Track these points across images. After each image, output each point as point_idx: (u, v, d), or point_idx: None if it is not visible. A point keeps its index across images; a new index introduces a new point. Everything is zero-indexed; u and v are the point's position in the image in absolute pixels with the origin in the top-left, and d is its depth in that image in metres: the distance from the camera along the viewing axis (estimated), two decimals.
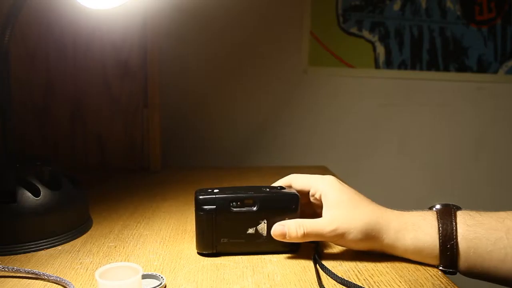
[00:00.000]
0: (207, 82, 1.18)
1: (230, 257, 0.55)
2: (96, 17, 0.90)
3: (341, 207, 0.53)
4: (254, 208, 0.54)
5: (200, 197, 0.55)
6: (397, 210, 0.55)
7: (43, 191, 0.59)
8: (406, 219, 0.53)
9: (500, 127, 1.32)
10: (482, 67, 1.27)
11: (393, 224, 0.53)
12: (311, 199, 0.58)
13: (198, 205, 0.55)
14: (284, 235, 0.53)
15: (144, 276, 0.49)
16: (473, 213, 0.53)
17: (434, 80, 1.27)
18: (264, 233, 0.55)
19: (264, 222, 0.55)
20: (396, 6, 1.22)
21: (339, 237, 0.53)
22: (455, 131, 1.30)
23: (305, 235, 0.53)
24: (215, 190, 0.56)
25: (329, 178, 0.57)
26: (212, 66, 1.18)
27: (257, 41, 1.19)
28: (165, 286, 0.49)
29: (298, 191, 0.57)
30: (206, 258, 0.56)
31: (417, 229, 0.52)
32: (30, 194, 0.58)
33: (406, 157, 1.29)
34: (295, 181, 0.59)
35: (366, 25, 1.21)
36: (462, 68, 1.27)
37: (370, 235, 0.52)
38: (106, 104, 0.98)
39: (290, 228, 0.53)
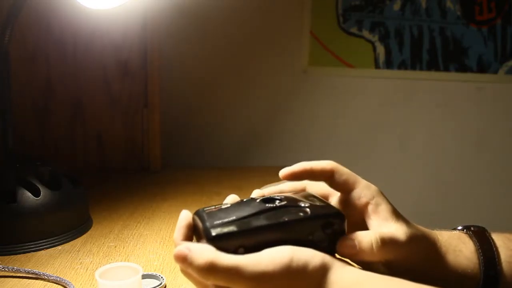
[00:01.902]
0: (207, 81, 1.18)
1: None
2: (96, 17, 0.90)
3: (397, 224, 0.44)
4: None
5: (214, 234, 0.37)
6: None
7: (43, 191, 0.59)
8: (445, 240, 0.46)
9: (500, 127, 1.32)
10: (482, 67, 1.27)
11: (436, 244, 0.46)
12: (348, 203, 0.47)
13: (211, 242, 0.37)
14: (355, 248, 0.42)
15: (144, 276, 0.49)
16: (508, 235, 0.47)
17: (434, 80, 1.27)
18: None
19: None
20: (396, 6, 1.22)
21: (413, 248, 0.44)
22: (455, 131, 1.30)
23: (381, 247, 0.42)
24: (230, 219, 0.38)
25: (376, 188, 0.48)
26: (212, 66, 1.18)
27: (257, 41, 1.18)
28: (165, 286, 0.49)
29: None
30: None
31: (459, 253, 0.46)
32: (30, 194, 0.58)
33: (406, 157, 1.29)
34: (340, 172, 0.47)
35: (366, 25, 1.21)
36: (462, 68, 1.27)
37: (421, 246, 0.45)
38: (106, 104, 0.98)
39: (363, 240, 0.42)
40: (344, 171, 0.47)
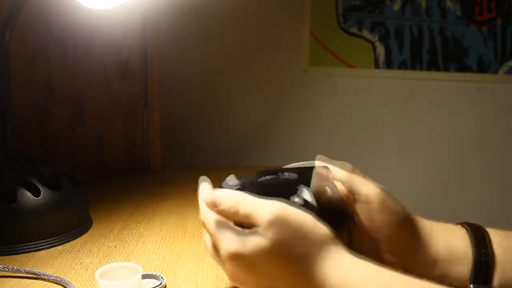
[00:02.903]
0: (207, 82, 1.18)
1: None
2: (96, 17, 0.90)
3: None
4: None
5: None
6: None
7: (43, 191, 0.59)
8: (437, 223, 0.49)
9: (500, 127, 1.32)
10: (482, 67, 1.27)
11: (423, 225, 0.48)
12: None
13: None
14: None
15: (144, 276, 0.49)
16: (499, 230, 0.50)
17: (434, 80, 1.27)
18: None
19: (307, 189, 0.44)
20: (396, 6, 1.22)
21: (381, 207, 0.46)
22: (455, 131, 1.30)
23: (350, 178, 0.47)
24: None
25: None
26: (212, 66, 1.18)
27: (257, 41, 1.18)
28: (165, 286, 0.49)
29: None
30: (206, 258, 0.56)
31: (451, 233, 0.49)
32: (30, 194, 0.58)
33: (406, 157, 1.29)
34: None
35: (366, 25, 1.21)
36: (462, 68, 1.27)
37: (405, 224, 0.47)
38: (106, 104, 0.98)
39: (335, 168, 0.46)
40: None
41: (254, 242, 0.39)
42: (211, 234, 0.43)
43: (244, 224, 0.42)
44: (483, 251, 0.47)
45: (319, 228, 0.40)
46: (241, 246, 0.39)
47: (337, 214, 0.43)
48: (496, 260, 0.47)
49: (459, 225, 0.50)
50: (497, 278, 0.47)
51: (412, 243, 0.48)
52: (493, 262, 0.46)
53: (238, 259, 0.40)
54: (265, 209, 0.40)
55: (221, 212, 0.42)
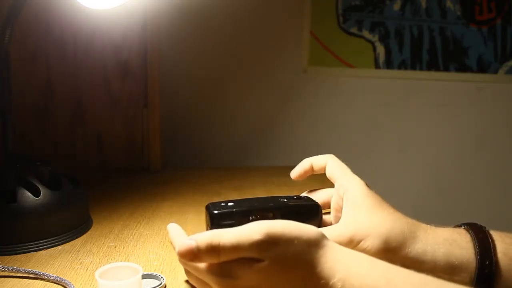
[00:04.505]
0: (207, 81, 1.18)
1: None
2: (96, 17, 0.90)
3: (362, 209, 0.47)
4: None
5: (216, 211, 0.49)
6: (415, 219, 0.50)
7: (43, 191, 0.59)
8: (437, 233, 0.47)
9: (500, 127, 1.32)
10: (482, 67, 1.27)
11: (421, 237, 0.47)
12: (334, 198, 0.53)
13: (214, 220, 0.49)
14: None
15: (144, 276, 0.49)
16: (506, 233, 0.48)
17: (434, 80, 1.27)
18: None
19: None
20: (396, 6, 1.22)
21: (352, 245, 0.46)
22: (455, 131, 1.30)
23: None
24: (230, 204, 0.50)
25: (358, 179, 0.51)
26: (212, 66, 1.18)
27: (257, 41, 1.18)
28: (165, 286, 0.49)
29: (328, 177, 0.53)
30: None
31: (452, 243, 0.46)
32: (30, 194, 0.58)
33: (406, 157, 1.29)
34: (329, 166, 0.53)
35: (366, 25, 1.21)
36: (462, 68, 1.27)
37: (390, 246, 0.46)
38: (106, 104, 0.98)
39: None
40: (334, 165, 0.53)
41: (255, 268, 0.38)
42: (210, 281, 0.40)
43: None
44: (487, 262, 0.45)
45: (307, 228, 0.40)
46: (243, 276, 0.38)
47: (310, 210, 0.45)
48: (500, 270, 0.45)
49: (464, 230, 0.48)
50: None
51: (405, 257, 0.46)
52: (496, 273, 0.45)
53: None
54: (251, 232, 0.38)
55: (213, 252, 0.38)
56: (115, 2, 0.61)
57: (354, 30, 1.21)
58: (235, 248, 0.38)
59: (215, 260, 0.38)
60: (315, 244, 0.39)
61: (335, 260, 0.39)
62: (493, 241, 0.46)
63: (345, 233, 0.46)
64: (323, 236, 0.40)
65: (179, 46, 1.13)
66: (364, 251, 0.45)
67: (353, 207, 0.48)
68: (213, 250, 0.38)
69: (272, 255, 0.38)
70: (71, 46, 0.94)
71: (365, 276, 0.37)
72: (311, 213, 0.51)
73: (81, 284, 0.49)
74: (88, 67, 0.95)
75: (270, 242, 0.38)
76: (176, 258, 0.56)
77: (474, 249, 0.45)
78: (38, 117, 0.95)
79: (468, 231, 0.47)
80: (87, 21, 0.92)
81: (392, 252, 0.46)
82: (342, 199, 0.50)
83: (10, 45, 0.60)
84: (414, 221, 0.48)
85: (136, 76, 0.97)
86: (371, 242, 0.46)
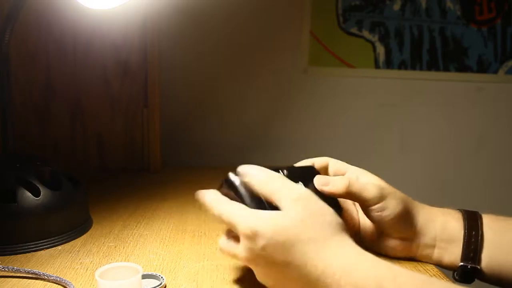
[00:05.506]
0: (207, 82, 1.18)
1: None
2: (96, 17, 0.90)
3: (381, 181, 0.54)
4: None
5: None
6: None
7: (43, 191, 0.59)
8: (434, 209, 0.55)
9: (500, 127, 1.32)
10: (482, 67, 1.27)
11: (422, 210, 0.54)
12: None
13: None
14: (328, 183, 0.50)
15: (144, 276, 0.49)
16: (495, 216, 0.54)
17: (434, 80, 1.27)
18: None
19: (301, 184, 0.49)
20: (396, 6, 1.22)
21: (381, 206, 0.51)
22: (455, 131, 1.30)
23: (348, 190, 0.50)
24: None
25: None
26: (212, 66, 1.18)
27: (257, 41, 1.18)
28: (165, 286, 0.49)
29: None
30: (206, 258, 0.56)
31: (447, 215, 0.54)
32: (30, 194, 0.58)
33: (406, 157, 1.29)
34: (332, 163, 0.57)
35: (366, 25, 1.21)
36: (462, 68, 1.27)
37: (406, 213, 0.52)
38: (106, 104, 0.98)
39: (335, 179, 0.51)
40: (337, 162, 0.57)
41: (275, 217, 0.41)
42: (227, 218, 0.44)
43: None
44: (473, 233, 0.51)
45: (335, 216, 0.43)
46: (261, 222, 0.41)
47: (333, 207, 0.45)
48: (484, 241, 0.51)
49: (457, 210, 0.56)
50: (485, 258, 0.50)
51: (413, 228, 0.53)
52: (482, 243, 0.50)
53: (258, 237, 0.41)
54: (293, 189, 0.43)
55: (255, 177, 0.45)
56: (115, 2, 0.61)
57: (354, 30, 1.21)
58: (274, 192, 0.44)
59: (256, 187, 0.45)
60: (336, 228, 0.42)
61: (347, 253, 0.41)
62: (481, 217, 0.53)
63: (375, 185, 0.51)
64: (344, 227, 0.43)
65: (179, 46, 1.13)
66: (387, 210, 0.51)
67: (372, 177, 0.54)
68: (263, 180, 0.46)
69: (295, 215, 0.41)
70: (71, 46, 0.94)
71: (369, 269, 0.39)
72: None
73: (81, 284, 0.49)
74: (88, 67, 0.95)
75: (300, 204, 0.42)
76: (176, 258, 0.56)
77: (464, 223, 0.52)
78: (38, 117, 0.95)
79: (460, 211, 0.55)
80: (87, 21, 0.92)
81: (407, 223, 0.52)
82: (357, 179, 0.54)
83: (10, 44, 0.60)
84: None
85: (136, 76, 0.97)
86: (395, 202, 0.51)
